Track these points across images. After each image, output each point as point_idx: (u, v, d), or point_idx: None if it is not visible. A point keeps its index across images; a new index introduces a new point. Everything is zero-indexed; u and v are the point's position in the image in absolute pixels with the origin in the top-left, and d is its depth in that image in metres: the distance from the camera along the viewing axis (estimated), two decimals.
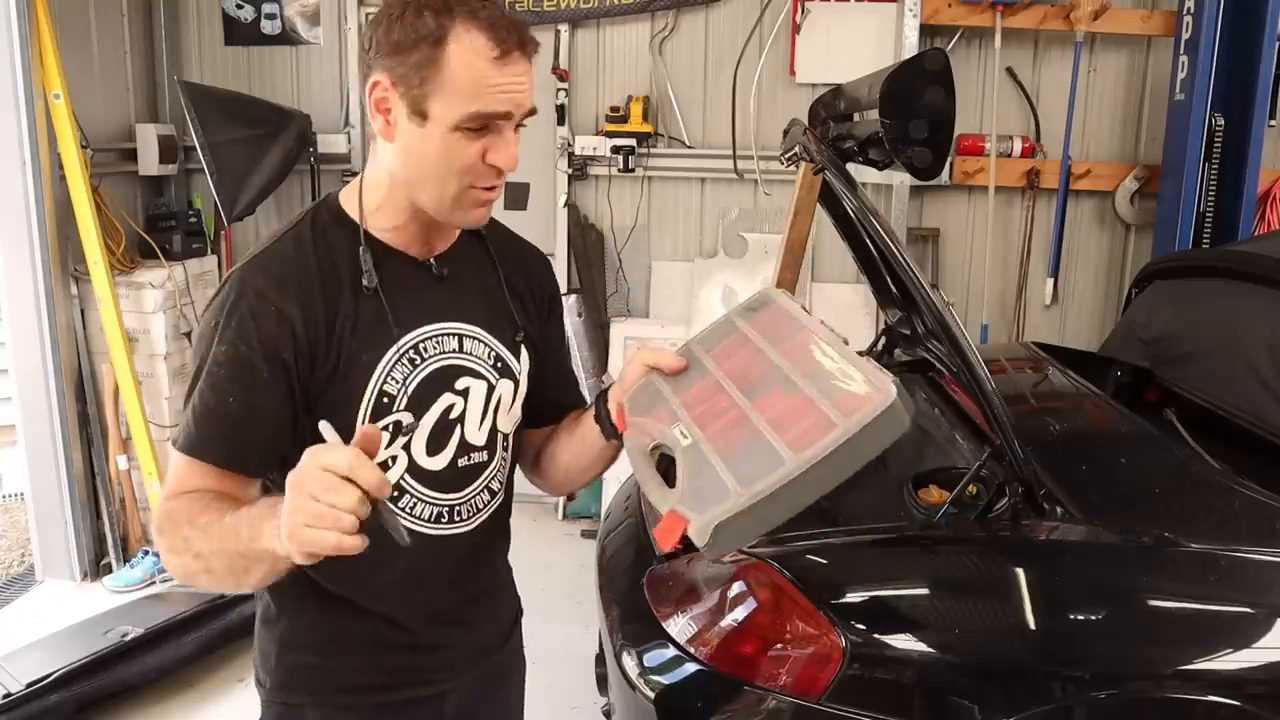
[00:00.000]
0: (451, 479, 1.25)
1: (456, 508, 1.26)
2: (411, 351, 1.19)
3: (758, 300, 1.29)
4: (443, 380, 1.21)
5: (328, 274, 1.16)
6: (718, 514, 1.00)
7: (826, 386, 1.05)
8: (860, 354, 1.14)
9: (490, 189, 1.14)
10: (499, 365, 1.28)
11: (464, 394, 1.23)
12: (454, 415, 1.23)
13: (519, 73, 1.09)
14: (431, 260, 1.24)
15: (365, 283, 1.16)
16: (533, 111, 1.13)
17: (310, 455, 0.92)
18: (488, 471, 1.29)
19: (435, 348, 1.21)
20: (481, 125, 1.09)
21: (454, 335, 1.23)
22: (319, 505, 0.89)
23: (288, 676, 1.28)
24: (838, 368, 1.07)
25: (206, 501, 1.07)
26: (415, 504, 1.23)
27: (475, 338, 1.25)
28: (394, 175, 1.16)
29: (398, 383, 1.18)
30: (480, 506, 1.29)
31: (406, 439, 1.20)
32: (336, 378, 1.15)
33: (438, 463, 1.23)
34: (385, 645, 1.27)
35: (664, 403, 1.20)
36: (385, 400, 1.17)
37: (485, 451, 1.28)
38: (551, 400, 1.39)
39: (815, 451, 0.99)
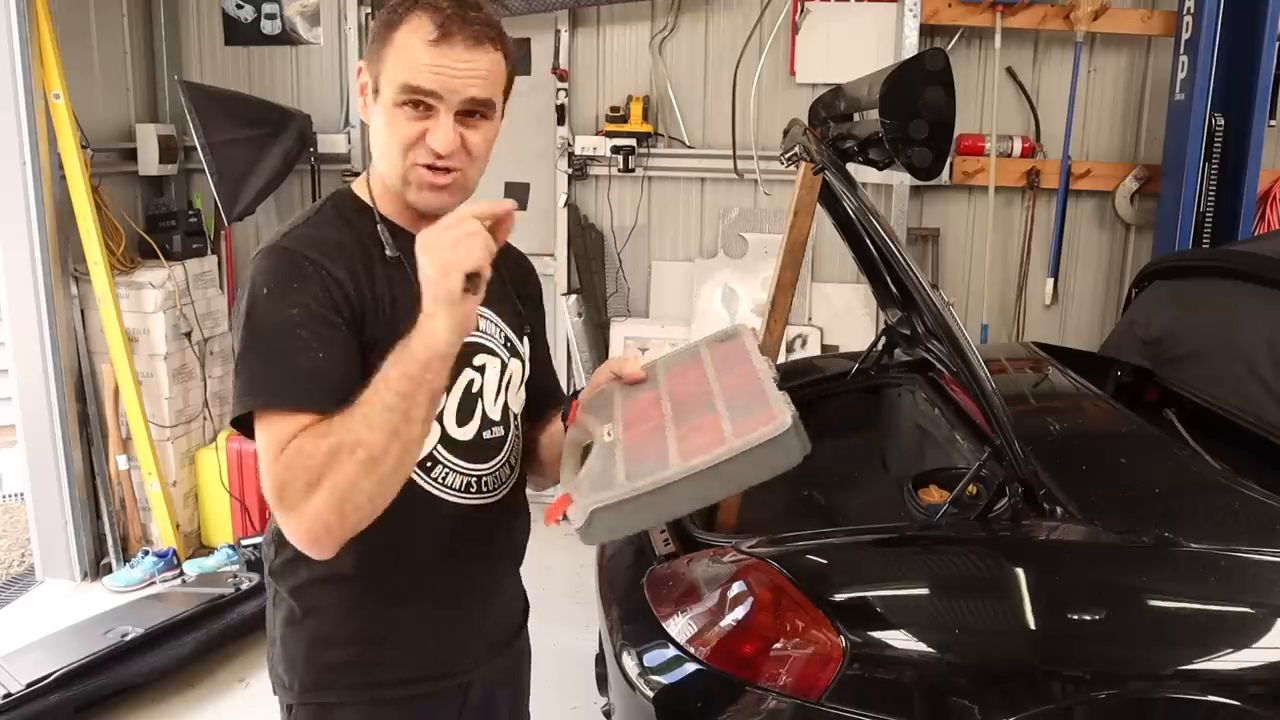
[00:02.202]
0: (478, 450, 1.30)
1: (483, 478, 1.31)
2: None
3: (727, 333, 1.39)
4: (464, 355, 1.25)
5: (358, 248, 1.23)
6: (596, 500, 1.09)
7: (737, 411, 1.13)
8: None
9: (434, 171, 1.20)
10: (509, 345, 1.35)
11: (481, 370, 1.30)
12: (475, 390, 1.30)
13: (456, 58, 1.15)
14: None
15: (388, 253, 1.22)
16: (482, 103, 1.18)
17: (425, 230, 1.07)
18: (506, 446, 1.35)
19: None
20: (415, 102, 1.16)
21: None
22: (455, 231, 1.03)
23: (321, 675, 1.28)
24: (758, 398, 1.14)
25: (326, 422, 1.07)
26: (447, 474, 1.28)
27: (486, 318, 1.31)
28: (374, 155, 1.25)
29: None
30: (503, 479, 1.35)
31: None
32: (380, 346, 1.17)
33: (466, 433, 1.29)
34: (416, 632, 1.29)
35: (611, 406, 1.29)
36: None
37: (502, 426, 1.34)
38: (544, 390, 1.46)
39: (697, 462, 1.06)
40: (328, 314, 1.15)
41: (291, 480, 1.05)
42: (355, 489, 1.04)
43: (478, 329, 1.29)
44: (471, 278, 1.04)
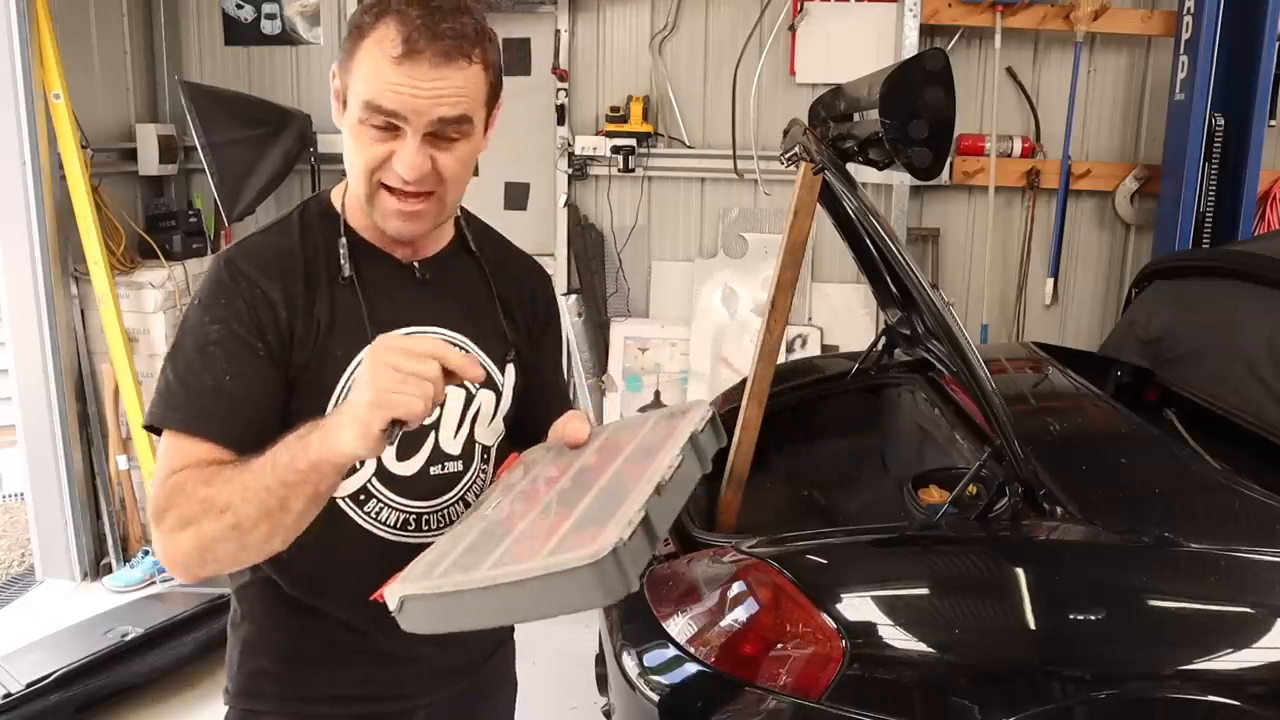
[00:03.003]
0: (422, 486, 1.22)
1: (425, 516, 1.23)
2: None
3: (683, 408, 1.20)
4: None
5: (309, 262, 1.17)
6: (409, 589, 0.95)
7: (587, 518, 0.94)
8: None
9: (403, 197, 1.11)
10: None
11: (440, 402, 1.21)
12: (427, 421, 1.19)
13: (422, 76, 1.05)
14: (415, 264, 1.23)
15: (344, 273, 1.16)
16: (455, 121, 1.08)
17: (389, 337, 0.98)
18: (463, 483, 1.26)
19: None
20: (380, 122, 1.07)
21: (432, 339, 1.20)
22: (405, 369, 0.93)
23: (249, 682, 1.28)
24: (615, 507, 0.94)
25: (216, 468, 1.04)
26: (381, 509, 1.20)
27: (455, 344, 1.22)
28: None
29: None
30: (453, 518, 1.24)
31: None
32: (311, 367, 1.14)
33: (407, 468, 1.21)
34: (348, 655, 1.25)
35: (531, 469, 1.16)
36: None
37: (460, 461, 1.25)
38: (545, 418, 1.28)
39: (503, 573, 0.91)
40: (248, 336, 1.10)
41: (169, 510, 1.03)
42: (217, 545, 1.01)
43: None
44: (396, 423, 0.94)
